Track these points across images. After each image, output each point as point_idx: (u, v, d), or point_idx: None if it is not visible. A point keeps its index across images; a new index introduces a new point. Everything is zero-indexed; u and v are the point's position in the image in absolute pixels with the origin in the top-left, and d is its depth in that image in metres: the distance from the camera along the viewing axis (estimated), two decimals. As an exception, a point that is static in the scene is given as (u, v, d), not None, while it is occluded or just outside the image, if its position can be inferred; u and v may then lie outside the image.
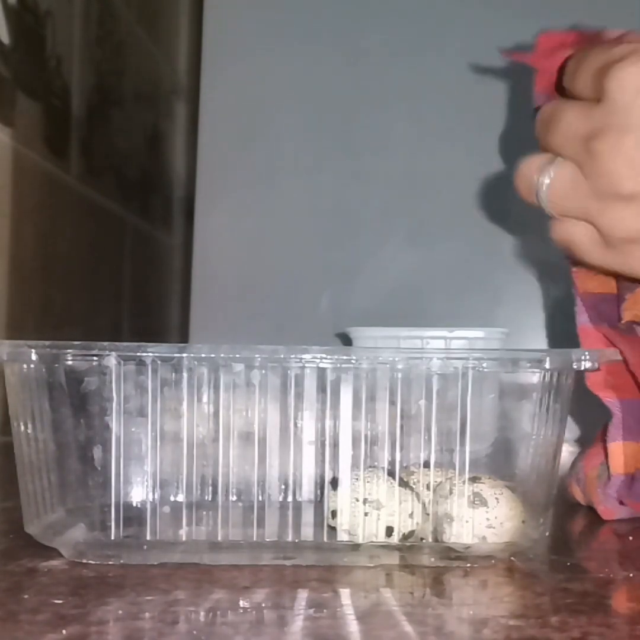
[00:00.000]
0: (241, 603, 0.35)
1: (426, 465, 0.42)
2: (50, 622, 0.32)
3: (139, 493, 0.42)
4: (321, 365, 0.41)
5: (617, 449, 0.51)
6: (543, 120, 0.47)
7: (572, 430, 0.74)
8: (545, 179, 0.46)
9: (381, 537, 0.41)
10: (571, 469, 0.56)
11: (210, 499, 0.43)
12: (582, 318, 0.53)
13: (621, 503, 0.52)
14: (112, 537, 0.40)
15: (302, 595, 0.36)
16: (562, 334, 0.89)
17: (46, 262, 0.94)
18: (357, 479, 0.41)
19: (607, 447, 0.52)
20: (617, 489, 0.52)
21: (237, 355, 0.40)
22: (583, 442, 0.70)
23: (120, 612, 0.33)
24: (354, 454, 0.42)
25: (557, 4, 0.87)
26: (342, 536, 0.41)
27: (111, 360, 0.40)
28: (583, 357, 0.41)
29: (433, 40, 0.91)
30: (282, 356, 0.40)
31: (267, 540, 0.41)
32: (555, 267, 0.89)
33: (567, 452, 0.63)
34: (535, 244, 0.89)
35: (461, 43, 0.91)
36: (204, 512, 0.42)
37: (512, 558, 0.41)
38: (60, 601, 0.34)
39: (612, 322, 0.52)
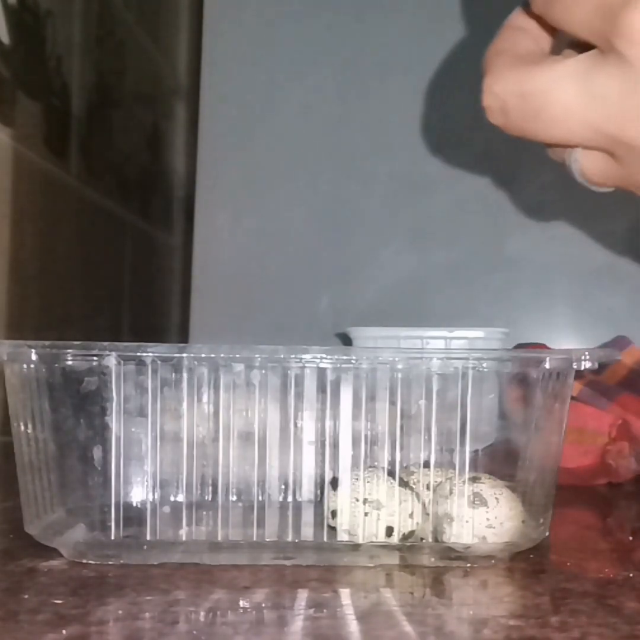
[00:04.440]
0: (241, 603, 0.35)
1: (426, 465, 0.42)
2: (50, 622, 0.32)
3: (139, 493, 0.42)
4: (321, 365, 0.41)
5: None
6: (516, 107, 0.35)
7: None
8: (573, 161, 0.36)
9: (381, 537, 0.41)
10: None
11: (210, 499, 0.43)
12: None
13: None
14: (112, 537, 0.40)
15: (302, 595, 0.36)
16: (562, 334, 0.89)
17: (46, 262, 0.94)
18: (357, 479, 0.41)
19: None
20: None
21: (237, 355, 0.40)
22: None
23: (120, 612, 0.33)
24: (354, 454, 0.42)
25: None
26: (342, 536, 0.41)
27: (111, 360, 0.40)
28: (583, 357, 0.41)
29: (433, 40, 0.91)
30: (282, 356, 0.40)
31: (267, 540, 0.41)
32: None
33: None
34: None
35: (462, 43, 0.91)
36: (204, 512, 0.42)
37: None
38: (60, 601, 0.34)
39: None
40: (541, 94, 0.34)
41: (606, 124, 0.33)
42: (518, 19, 0.37)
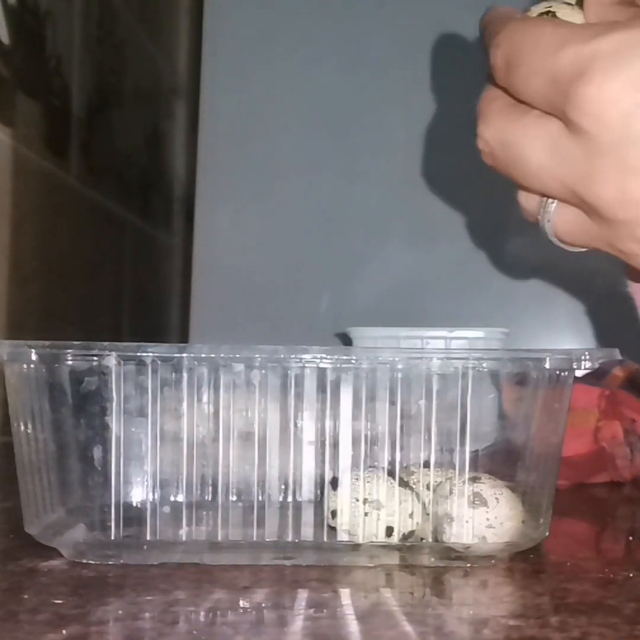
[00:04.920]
0: (241, 603, 0.35)
1: (426, 465, 0.42)
2: (50, 622, 0.32)
3: (139, 493, 0.42)
4: (321, 365, 0.41)
5: None
6: (500, 154, 0.37)
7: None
8: (546, 221, 0.38)
9: (381, 537, 0.41)
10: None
11: (210, 499, 0.43)
12: None
13: None
14: (112, 537, 0.40)
15: (302, 595, 0.36)
16: (562, 334, 0.89)
17: (46, 262, 0.94)
18: (357, 479, 0.41)
19: None
20: None
21: (237, 355, 0.40)
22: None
23: (120, 612, 0.33)
24: (354, 454, 0.42)
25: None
26: (342, 536, 0.41)
27: (111, 360, 0.40)
28: (583, 357, 0.41)
29: (432, 41, 0.91)
30: (282, 356, 0.40)
31: (267, 540, 0.41)
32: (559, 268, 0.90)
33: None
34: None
35: (460, 43, 0.91)
36: (204, 512, 0.42)
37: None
38: (60, 601, 0.34)
39: None
40: (519, 147, 0.36)
41: (574, 184, 0.34)
42: None
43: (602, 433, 0.64)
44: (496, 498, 0.40)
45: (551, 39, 0.34)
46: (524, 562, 0.41)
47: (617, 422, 0.64)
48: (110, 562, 0.40)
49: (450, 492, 0.41)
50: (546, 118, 0.35)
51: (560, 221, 0.37)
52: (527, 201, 0.39)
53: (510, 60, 0.35)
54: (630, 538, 0.49)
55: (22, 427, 0.41)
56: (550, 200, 0.37)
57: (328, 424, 0.43)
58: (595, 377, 0.68)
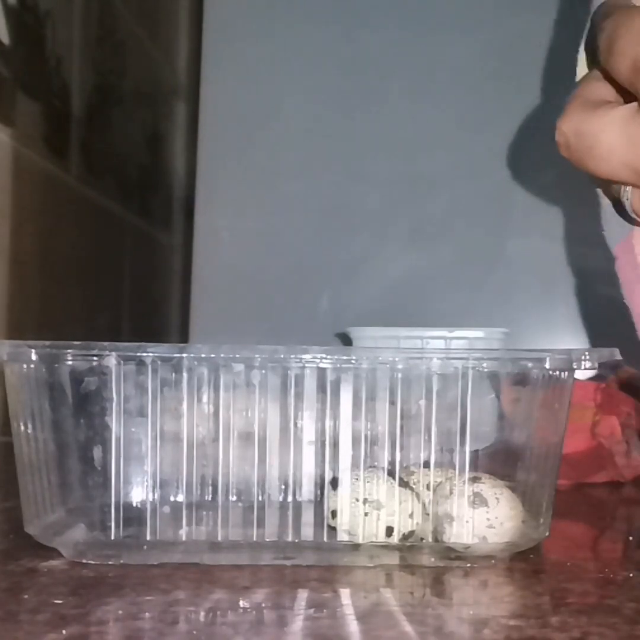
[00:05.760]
0: (241, 603, 0.35)
1: (426, 465, 0.42)
2: (50, 622, 0.32)
3: (139, 493, 0.42)
4: (321, 365, 0.41)
5: None
6: (574, 144, 0.40)
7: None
8: (625, 199, 0.41)
9: (381, 537, 0.41)
10: None
11: (210, 499, 0.43)
12: None
13: None
14: (112, 537, 0.40)
15: (302, 595, 0.36)
16: (562, 334, 0.89)
17: (46, 262, 0.94)
18: (357, 479, 0.41)
19: None
20: None
21: (237, 355, 0.40)
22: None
23: (120, 612, 0.33)
24: (354, 454, 0.42)
25: (558, 1, 0.87)
26: (342, 536, 0.41)
27: (111, 360, 0.40)
28: (583, 357, 0.41)
29: (433, 40, 0.91)
30: (282, 356, 0.40)
31: (267, 540, 0.41)
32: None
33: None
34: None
35: (462, 42, 0.91)
36: (204, 512, 0.42)
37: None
38: (60, 601, 0.34)
39: None
40: (592, 134, 0.39)
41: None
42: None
43: (599, 428, 0.63)
44: (496, 498, 0.40)
45: None
46: (524, 562, 0.41)
47: (614, 417, 0.63)
48: (110, 562, 0.40)
49: (451, 492, 0.41)
50: (620, 107, 0.38)
51: (636, 199, 0.40)
52: (611, 190, 0.41)
53: (610, 43, 0.39)
54: (630, 538, 0.49)
55: (22, 427, 0.41)
56: (628, 187, 0.40)
57: (328, 424, 0.43)
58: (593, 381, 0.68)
